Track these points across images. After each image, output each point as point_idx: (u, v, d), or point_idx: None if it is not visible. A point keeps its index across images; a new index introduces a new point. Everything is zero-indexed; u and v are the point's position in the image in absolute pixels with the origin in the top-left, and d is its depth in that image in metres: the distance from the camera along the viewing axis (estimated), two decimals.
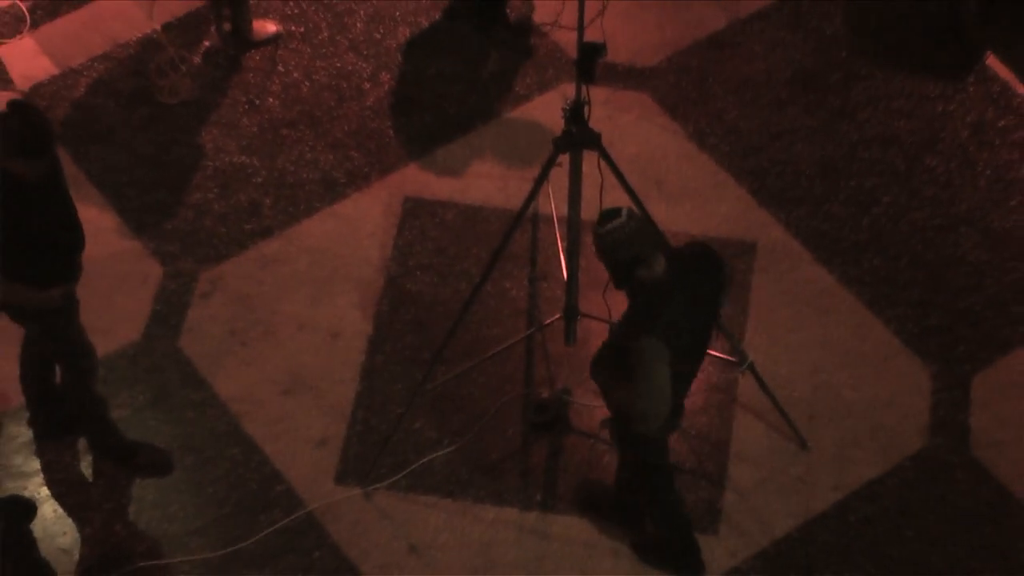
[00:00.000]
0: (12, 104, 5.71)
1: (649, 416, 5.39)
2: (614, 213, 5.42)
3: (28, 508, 5.64)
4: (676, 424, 5.82)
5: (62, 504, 6.40)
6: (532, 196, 6.20)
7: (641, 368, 5.30)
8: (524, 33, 7.70)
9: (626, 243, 5.34)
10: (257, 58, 7.62)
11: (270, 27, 7.67)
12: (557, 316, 6.50)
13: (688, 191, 7.16)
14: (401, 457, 6.46)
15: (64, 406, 6.48)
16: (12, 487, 6.40)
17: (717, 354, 6.48)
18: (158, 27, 7.69)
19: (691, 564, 6.19)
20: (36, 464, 6.49)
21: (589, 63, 5.93)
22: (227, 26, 7.61)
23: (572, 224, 6.12)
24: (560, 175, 6.22)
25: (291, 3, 7.80)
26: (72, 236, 5.91)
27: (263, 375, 6.71)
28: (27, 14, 7.75)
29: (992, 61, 7.56)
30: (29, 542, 5.66)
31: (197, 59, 7.61)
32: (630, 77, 7.53)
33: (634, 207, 5.64)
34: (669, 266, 5.38)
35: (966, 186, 7.21)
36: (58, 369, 6.31)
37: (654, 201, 6.47)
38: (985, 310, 6.85)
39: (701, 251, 5.59)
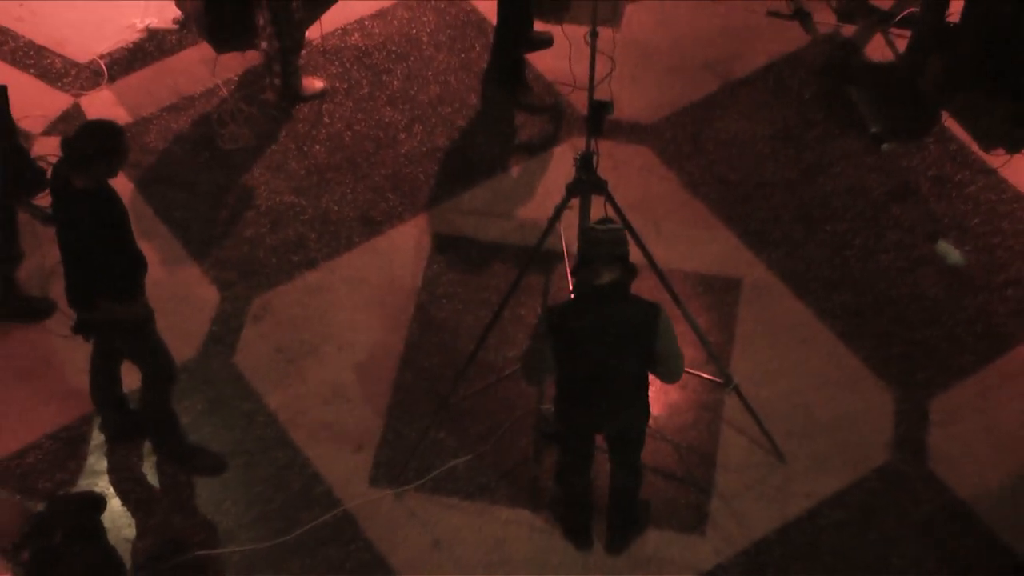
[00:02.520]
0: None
1: (524, 369, 5.80)
2: (609, 221, 5.57)
3: (98, 501, 5.65)
4: (599, 424, 5.86)
5: (128, 499, 6.43)
6: (546, 234, 6.23)
7: (533, 334, 5.58)
8: (540, 92, 7.75)
9: (594, 243, 5.44)
10: (305, 110, 7.66)
11: (318, 84, 7.72)
12: None
13: (683, 233, 7.18)
14: (427, 463, 6.47)
15: (130, 412, 6.50)
16: (85, 483, 6.43)
17: (706, 376, 6.53)
18: (220, 82, 7.75)
19: (573, 537, 6.26)
20: (106, 464, 6.51)
21: (598, 119, 6.00)
22: (277, 82, 7.69)
23: None
24: (571, 216, 6.31)
25: (336, 63, 7.86)
26: (134, 252, 5.92)
27: (307, 389, 6.72)
28: (105, 69, 7.81)
29: (950, 123, 7.59)
30: (99, 532, 5.66)
31: (254, 110, 7.65)
32: (633, 132, 7.55)
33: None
34: (609, 288, 5.43)
35: (927, 232, 7.23)
36: (141, 379, 6.32)
37: (653, 241, 6.50)
38: (942, 341, 6.85)
39: (645, 305, 5.57)
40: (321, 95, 7.71)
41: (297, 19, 7.46)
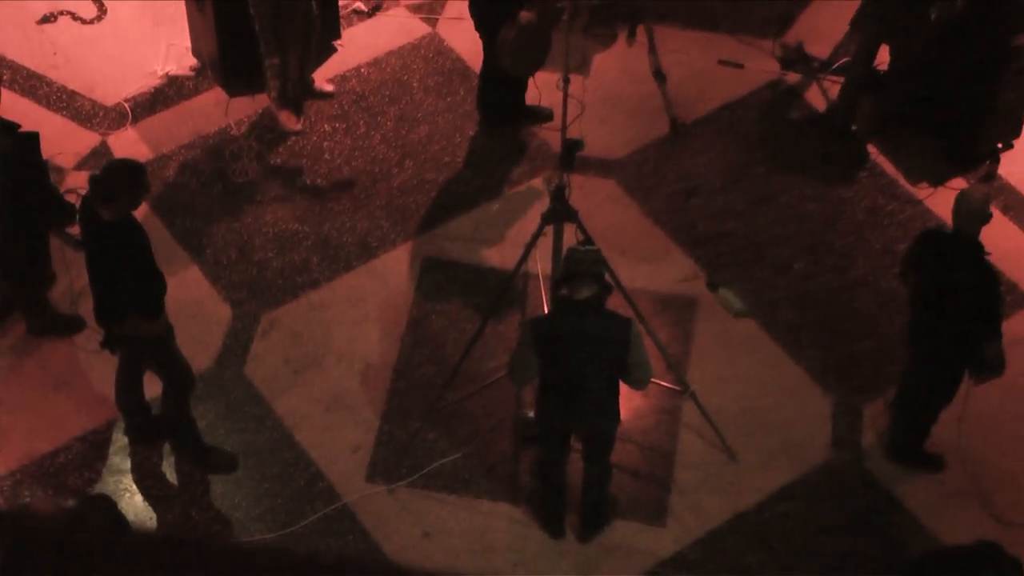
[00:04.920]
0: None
1: (510, 373, 5.84)
2: (591, 244, 5.63)
3: (110, 503, 5.62)
4: (575, 425, 5.88)
5: (149, 495, 6.42)
6: (523, 258, 6.27)
7: (518, 342, 5.74)
8: (519, 133, 7.76)
9: (576, 262, 5.50)
10: (308, 148, 7.70)
11: (293, 124, 7.64)
12: None
13: (645, 257, 7.19)
14: (418, 462, 6.47)
15: (152, 417, 6.47)
16: (112, 480, 6.42)
17: (666, 384, 6.55)
18: (232, 122, 7.74)
19: (548, 528, 6.25)
20: (129, 463, 6.50)
21: (570, 155, 6.05)
22: (273, 94, 7.60)
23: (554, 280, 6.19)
24: (545, 242, 6.33)
25: (335, 105, 7.83)
26: (155, 275, 5.93)
27: (310, 395, 6.71)
28: (129, 111, 7.79)
29: (880, 159, 7.61)
30: (124, 525, 5.64)
31: (262, 147, 7.63)
32: (601, 167, 7.55)
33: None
34: (587, 302, 5.48)
35: (861, 256, 7.26)
36: (162, 387, 6.32)
37: (619, 264, 6.51)
38: (875, 353, 6.88)
39: (618, 318, 5.65)
40: (294, 133, 7.65)
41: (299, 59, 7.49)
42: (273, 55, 7.43)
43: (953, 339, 6.01)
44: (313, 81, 7.81)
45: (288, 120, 7.68)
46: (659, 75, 6.57)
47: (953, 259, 5.95)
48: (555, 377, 5.68)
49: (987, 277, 5.96)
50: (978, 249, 5.95)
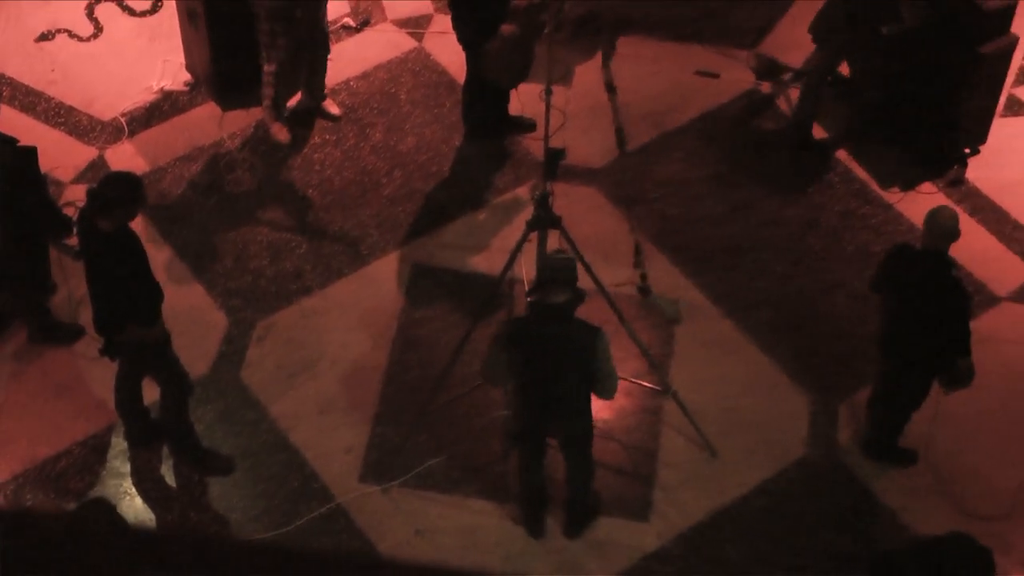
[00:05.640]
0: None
1: (483, 372, 5.92)
2: (563, 253, 5.70)
3: (109, 506, 5.63)
4: (548, 428, 5.90)
5: (148, 497, 6.43)
6: (509, 264, 6.29)
7: (491, 343, 5.80)
8: (504, 142, 7.77)
9: (547, 269, 5.56)
10: (300, 160, 7.71)
11: (283, 135, 7.65)
12: None
13: (627, 262, 7.15)
14: (409, 462, 6.48)
15: (150, 421, 6.49)
16: (112, 483, 6.43)
17: (649, 384, 6.60)
18: (226, 135, 7.74)
19: (528, 527, 6.27)
20: (129, 467, 6.51)
21: (553, 164, 6.09)
22: (266, 102, 7.62)
23: None
24: (530, 248, 6.35)
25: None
26: (152, 284, 5.96)
27: (304, 399, 6.73)
28: (126, 125, 7.79)
29: (852, 164, 7.64)
30: (122, 526, 5.65)
31: (256, 159, 7.64)
32: (584, 175, 7.57)
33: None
34: (558, 307, 5.53)
35: (836, 259, 7.29)
36: (160, 392, 6.33)
37: (602, 269, 6.52)
38: (850, 352, 6.91)
39: (587, 327, 5.69)
40: (283, 145, 7.67)
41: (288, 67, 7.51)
42: (271, 62, 7.43)
43: (923, 353, 6.07)
44: (325, 97, 7.81)
45: (279, 132, 7.71)
46: (610, 88, 6.66)
47: (922, 276, 6.01)
48: (528, 380, 5.72)
49: (956, 293, 6.02)
50: (947, 266, 6.01)
